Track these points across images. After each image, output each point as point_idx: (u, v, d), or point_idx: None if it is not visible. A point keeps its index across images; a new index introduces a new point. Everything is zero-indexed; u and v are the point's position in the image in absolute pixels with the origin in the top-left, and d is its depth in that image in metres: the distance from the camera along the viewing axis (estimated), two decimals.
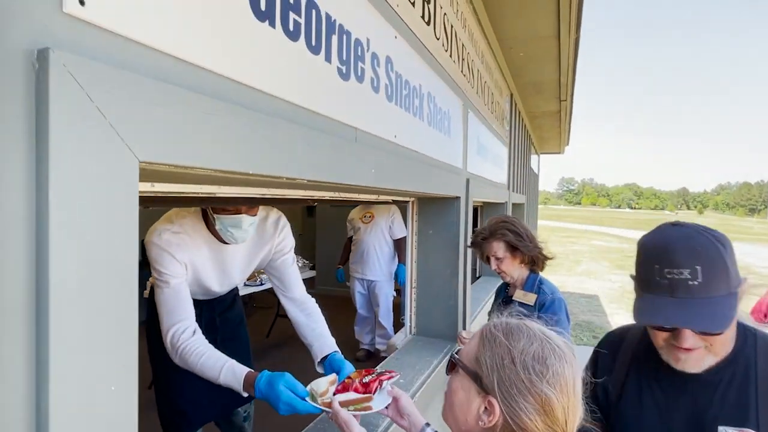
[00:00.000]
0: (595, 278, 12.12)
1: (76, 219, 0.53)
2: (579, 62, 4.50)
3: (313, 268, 5.01)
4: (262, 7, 0.86)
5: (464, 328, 2.57)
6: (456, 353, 0.87)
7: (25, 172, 0.50)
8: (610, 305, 8.72)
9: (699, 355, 0.90)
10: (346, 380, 1.33)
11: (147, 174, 0.73)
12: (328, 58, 1.10)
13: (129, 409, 0.59)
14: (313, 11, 1.03)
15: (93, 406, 0.55)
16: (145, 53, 0.64)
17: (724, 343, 0.91)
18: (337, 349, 1.64)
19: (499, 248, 1.96)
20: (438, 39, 2.05)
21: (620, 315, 7.94)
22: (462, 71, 2.55)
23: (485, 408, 0.75)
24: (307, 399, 1.23)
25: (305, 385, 1.27)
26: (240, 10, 0.81)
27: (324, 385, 1.27)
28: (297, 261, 5.02)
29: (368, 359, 4.25)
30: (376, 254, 4.08)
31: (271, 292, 4.20)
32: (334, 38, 1.13)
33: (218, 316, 1.93)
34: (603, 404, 1.08)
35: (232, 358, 1.57)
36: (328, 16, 1.09)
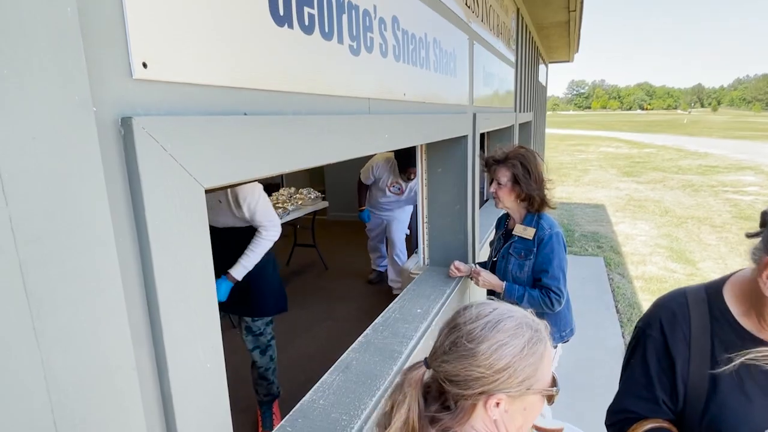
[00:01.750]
0: (603, 187, 12.26)
1: (168, 244, 0.67)
2: None
3: (324, 198, 5.18)
4: (281, 12, 0.92)
5: (474, 258, 2.77)
6: None
7: (127, 219, 0.63)
8: (616, 214, 8.94)
9: None
10: None
11: None
12: (340, 40, 1.16)
13: (220, 381, 0.78)
14: None
15: (198, 382, 0.73)
16: (197, 91, 0.74)
17: None
18: (229, 273, 2.21)
19: (504, 175, 2.05)
20: None
21: (625, 224, 8.19)
22: (467, 3, 2.50)
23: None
24: None
25: None
26: (264, 22, 0.88)
27: None
28: (309, 194, 5.14)
29: (380, 281, 4.58)
30: (404, 212, 4.29)
31: (288, 224, 4.40)
32: (344, 18, 1.17)
33: (234, 242, 2.30)
34: (683, 399, 0.95)
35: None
36: None
